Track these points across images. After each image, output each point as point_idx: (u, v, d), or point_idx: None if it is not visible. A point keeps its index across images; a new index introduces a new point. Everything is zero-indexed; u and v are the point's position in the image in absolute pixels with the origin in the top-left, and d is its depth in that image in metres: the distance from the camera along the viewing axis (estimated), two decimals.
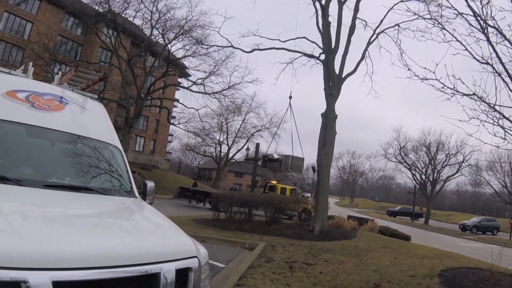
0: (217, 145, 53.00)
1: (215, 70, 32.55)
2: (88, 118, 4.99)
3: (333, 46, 15.28)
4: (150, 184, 4.96)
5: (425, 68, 7.30)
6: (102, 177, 4.23)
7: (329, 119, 14.28)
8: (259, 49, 16.88)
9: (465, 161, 48.32)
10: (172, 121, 49.49)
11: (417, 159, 52.03)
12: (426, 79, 7.35)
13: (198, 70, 33.05)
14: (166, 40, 31.32)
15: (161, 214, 3.85)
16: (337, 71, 15.21)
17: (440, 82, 7.20)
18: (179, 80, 45.73)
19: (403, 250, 11.24)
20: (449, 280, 6.97)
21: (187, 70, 37.32)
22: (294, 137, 34.68)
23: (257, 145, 20.83)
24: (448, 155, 48.78)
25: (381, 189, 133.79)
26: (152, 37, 34.07)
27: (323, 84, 15.12)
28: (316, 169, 14.23)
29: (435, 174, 49.94)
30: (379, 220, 24.60)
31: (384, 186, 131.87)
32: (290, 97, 19.62)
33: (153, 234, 3.16)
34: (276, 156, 18.79)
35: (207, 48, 27.57)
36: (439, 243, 23.45)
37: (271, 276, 6.66)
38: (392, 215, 57.80)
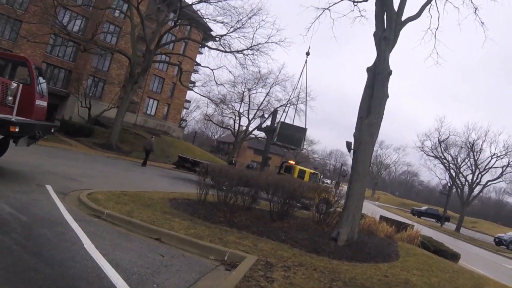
0: (236, 117, 48.41)
1: (238, 25, 27.64)
2: None
3: None
4: None
5: None
6: None
7: (379, 74, 9.58)
8: None
9: (510, 165, 42.76)
10: (189, 86, 45.26)
11: (456, 157, 46.41)
12: None
13: (216, 21, 27.97)
14: None
15: None
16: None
17: None
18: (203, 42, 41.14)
19: None
20: None
21: (207, 24, 32.52)
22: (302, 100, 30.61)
23: (275, 111, 16.45)
24: (495, 157, 43.03)
25: (402, 184, 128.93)
26: None
27: (375, 27, 10.42)
28: (352, 147, 9.60)
29: (476, 176, 44.28)
30: (404, 219, 20.29)
31: (406, 182, 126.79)
32: (308, 54, 16.98)
33: None
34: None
35: None
36: (483, 263, 19.64)
37: None
38: (417, 215, 52.87)
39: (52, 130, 11.45)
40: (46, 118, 11.67)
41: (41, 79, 11.08)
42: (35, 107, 10.44)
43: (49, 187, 9.37)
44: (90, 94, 35.70)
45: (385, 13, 10.24)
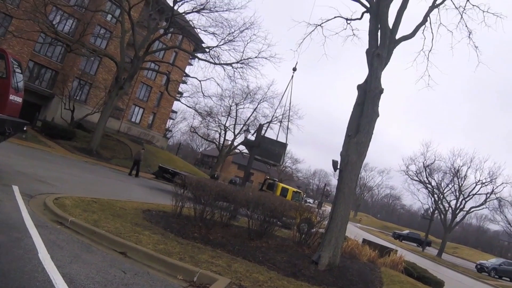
0: (222, 131, 47.77)
1: (229, 38, 27.29)
2: None
3: None
4: None
5: None
6: None
7: (370, 92, 9.26)
8: None
9: (493, 193, 42.86)
10: (176, 96, 44.73)
11: (440, 182, 46.45)
12: None
13: (207, 32, 27.54)
14: None
15: None
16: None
17: None
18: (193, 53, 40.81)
19: None
20: None
21: (198, 35, 32.20)
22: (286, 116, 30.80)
23: (260, 126, 16.01)
24: (481, 183, 43.04)
25: (384, 207, 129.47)
26: None
27: (368, 44, 10.15)
28: (338, 167, 9.18)
29: (459, 202, 44.25)
30: (386, 243, 19.84)
31: (389, 205, 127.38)
32: (294, 69, 16.84)
33: None
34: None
35: None
36: None
37: None
38: (399, 239, 52.61)
39: (24, 128, 10.83)
40: (22, 116, 11.06)
41: (19, 75, 10.51)
42: (9, 102, 9.85)
43: (15, 188, 8.77)
44: (75, 97, 34.83)
45: (379, 31, 10.00)
